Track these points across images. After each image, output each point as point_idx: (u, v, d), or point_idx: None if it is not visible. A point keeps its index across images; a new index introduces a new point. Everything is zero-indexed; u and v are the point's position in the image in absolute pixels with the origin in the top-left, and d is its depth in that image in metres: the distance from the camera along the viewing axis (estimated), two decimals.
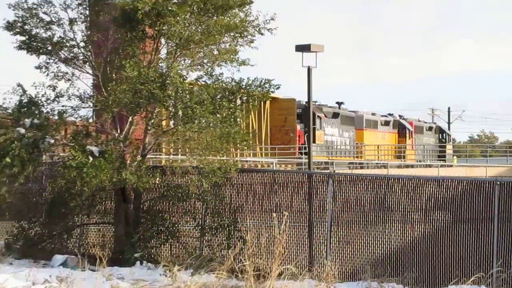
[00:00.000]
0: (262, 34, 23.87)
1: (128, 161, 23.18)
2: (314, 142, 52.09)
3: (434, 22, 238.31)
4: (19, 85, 24.03)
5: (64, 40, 24.25)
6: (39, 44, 24.15)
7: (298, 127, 53.09)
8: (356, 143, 65.72)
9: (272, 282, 18.64)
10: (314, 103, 53.52)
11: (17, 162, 22.38)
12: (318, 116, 57.08)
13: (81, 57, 24.40)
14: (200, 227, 24.32)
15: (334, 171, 28.45)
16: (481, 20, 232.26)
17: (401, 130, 73.48)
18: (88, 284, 19.25)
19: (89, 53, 24.38)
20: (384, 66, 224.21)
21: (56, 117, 24.15)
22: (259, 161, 43.32)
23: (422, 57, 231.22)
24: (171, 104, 23.47)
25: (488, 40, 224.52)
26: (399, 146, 72.11)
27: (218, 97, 23.73)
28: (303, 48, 24.96)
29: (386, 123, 71.58)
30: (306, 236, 23.06)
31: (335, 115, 62.59)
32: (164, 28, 23.57)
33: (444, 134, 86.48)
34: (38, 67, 24.31)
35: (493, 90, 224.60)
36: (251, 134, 38.24)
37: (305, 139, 52.32)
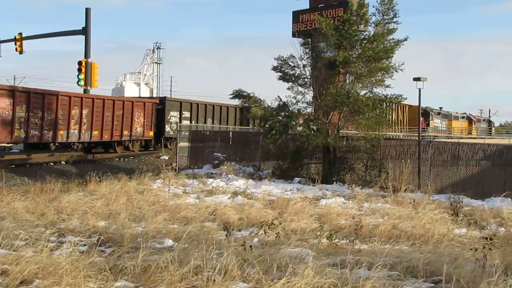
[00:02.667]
0: (397, 71, 25.79)
1: (330, 133, 25.63)
2: (428, 126, 61.22)
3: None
4: (278, 96, 27.09)
5: (300, 75, 26.92)
6: (288, 77, 26.89)
7: (421, 119, 59.94)
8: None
9: (401, 193, 20.80)
10: (428, 107, 64.19)
11: (277, 133, 25.65)
12: (430, 114, 64.90)
13: (308, 84, 27.00)
14: (365, 166, 26.40)
15: (432, 140, 31.40)
16: None
17: (469, 121, 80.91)
18: (311, 191, 21.89)
19: (312, 81, 26.85)
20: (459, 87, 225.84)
21: (296, 112, 26.92)
22: (396, 134, 44.93)
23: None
24: (351, 106, 25.58)
25: None
26: (469, 129, 78.84)
27: (375, 102, 26.04)
28: (416, 79, 26.83)
29: (462, 117, 79.01)
30: (417, 171, 25.00)
31: (439, 113, 70.50)
32: (348, 69, 26.10)
33: (490, 123, 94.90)
34: (288, 88, 27.17)
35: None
36: (392, 122, 41.60)
37: (425, 125, 62.25)
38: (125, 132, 38.81)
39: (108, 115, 37.03)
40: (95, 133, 35.98)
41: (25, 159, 31.04)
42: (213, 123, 46.11)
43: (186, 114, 44.38)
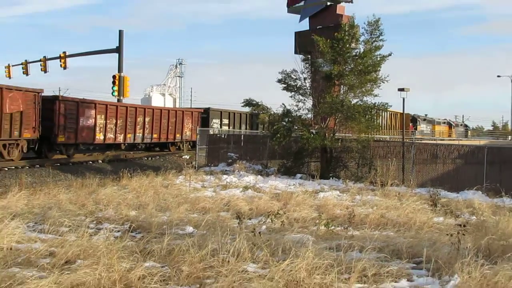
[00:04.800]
0: (383, 82, 25.63)
1: (327, 136, 25.54)
2: (416, 130, 61.18)
3: None
4: (283, 104, 26.94)
5: (301, 86, 26.70)
6: (291, 88, 26.61)
7: (411, 124, 59.76)
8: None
9: (388, 187, 20.83)
10: (416, 114, 65.46)
11: (282, 136, 25.62)
12: (418, 120, 65.28)
13: (308, 93, 26.63)
14: (357, 164, 26.22)
15: (414, 141, 31.09)
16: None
17: (449, 125, 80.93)
18: (310, 186, 21.94)
19: (311, 92, 26.56)
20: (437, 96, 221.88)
21: (298, 118, 26.52)
22: (383, 137, 44.67)
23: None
24: (345, 112, 25.32)
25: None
26: (449, 132, 78.42)
27: (365, 110, 25.54)
28: (401, 89, 26.11)
29: (444, 123, 79.21)
30: (402, 169, 24.99)
31: (424, 119, 71.05)
32: (342, 81, 25.91)
33: (466, 127, 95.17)
34: (290, 97, 26.81)
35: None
36: (386, 127, 41.34)
37: (414, 129, 61.95)
38: (177, 135, 42.04)
39: (165, 122, 40.38)
40: (155, 136, 39.44)
41: (68, 159, 31.20)
42: (246, 128, 48.15)
43: (225, 121, 47.01)
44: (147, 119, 38.27)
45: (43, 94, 29.17)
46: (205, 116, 45.12)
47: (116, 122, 35.07)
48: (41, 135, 28.92)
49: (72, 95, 35.00)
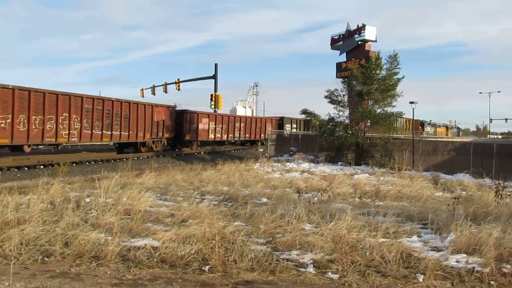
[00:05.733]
0: (399, 97, 24.86)
1: (359, 135, 25.21)
2: (424, 131, 57.73)
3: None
4: (329, 113, 26.57)
5: (341, 100, 26.15)
6: (334, 101, 26.09)
7: (420, 127, 57.10)
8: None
9: (402, 171, 20.16)
10: (424, 120, 61.87)
11: (328, 135, 25.73)
12: (425, 124, 61.55)
13: (346, 105, 26.06)
14: (380, 155, 25.29)
15: (421, 139, 29.97)
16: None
17: (446, 128, 76.88)
18: (348, 170, 21.24)
19: (348, 104, 25.96)
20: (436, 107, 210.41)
21: (339, 122, 26.19)
22: (400, 136, 43.38)
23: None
24: (372, 119, 25.02)
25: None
26: (446, 133, 74.49)
27: (386, 117, 25.04)
28: (411, 102, 24.29)
29: (443, 126, 75.16)
30: (412, 158, 24.11)
31: (429, 123, 66.97)
32: (370, 97, 25.30)
33: (458, 129, 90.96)
34: (334, 108, 26.25)
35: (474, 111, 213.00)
36: (402, 129, 40.20)
37: (422, 130, 58.08)
38: (262, 135, 42.29)
39: (253, 126, 41.17)
40: (247, 135, 40.06)
41: (183, 151, 31.78)
42: (309, 130, 47.54)
43: (294, 125, 47.04)
44: (242, 124, 39.36)
45: (176, 109, 31.66)
46: (280, 122, 45.61)
47: (222, 126, 36.35)
48: (174, 135, 30.99)
49: (182, 108, 36.14)
